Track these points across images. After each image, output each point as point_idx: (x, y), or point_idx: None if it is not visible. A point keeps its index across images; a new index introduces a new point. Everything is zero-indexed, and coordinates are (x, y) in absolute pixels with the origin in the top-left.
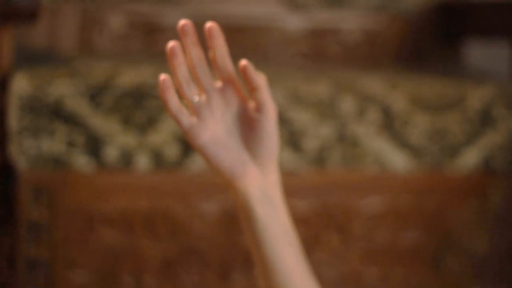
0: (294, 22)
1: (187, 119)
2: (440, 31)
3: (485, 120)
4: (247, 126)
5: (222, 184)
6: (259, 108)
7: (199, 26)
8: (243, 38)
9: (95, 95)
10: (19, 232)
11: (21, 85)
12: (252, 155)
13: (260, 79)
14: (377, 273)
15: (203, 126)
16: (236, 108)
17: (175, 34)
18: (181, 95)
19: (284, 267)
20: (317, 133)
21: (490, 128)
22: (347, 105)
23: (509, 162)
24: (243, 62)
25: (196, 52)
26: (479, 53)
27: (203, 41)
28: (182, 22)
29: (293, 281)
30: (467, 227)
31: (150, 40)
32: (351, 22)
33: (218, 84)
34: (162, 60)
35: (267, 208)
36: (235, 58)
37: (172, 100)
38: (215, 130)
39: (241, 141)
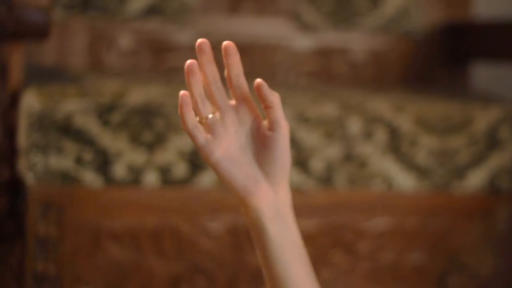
0: (302, 42)
1: (202, 135)
2: (447, 52)
3: (491, 142)
4: (260, 143)
5: (230, 202)
6: (272, 126)
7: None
8: (251, 58)
9: (103, 113)
10: (27, 248)
11: (30, 102)
12: (265, 172)
13: (274, 97)
14: None
15: (217, 143)
16: (250, 126)
17: (183, 52)
18: (195, 112)
19: (295, 284)
20: (324, 153)
21: (496, 150)
22: (354, 125)
23: None
24: (258, 80)
25: (211, 70)
26: (485, 74)
27: (216, 60)
28: (200, 40)
29: None
30: (473, 247)
31: (158, 58)
32: (358, 42)
33: (232, 102)
34: (170, 78)
35: (279, 225)
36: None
37: (189, 116)
38: (229, 147)
39: (254, 158)
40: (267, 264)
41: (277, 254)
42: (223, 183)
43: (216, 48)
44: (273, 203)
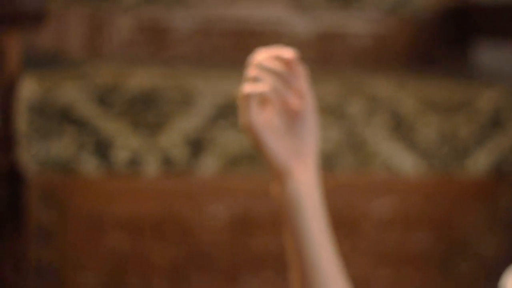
0: (302, 25)
1: (254, 105)
2: (450, 34)
3: (494, 122)
4: (289, 119)
5: (232, 188)
6: (300, 96)
7: (207, 30)
8: (251, 42)
9: (104, 98)
10: (28, 236)
11: (29, 88)
12: (299, 148)
13: (302, 68)
14: (386, 276)
15: (263, 116)
16: (278, 103)
17: (183, 40)
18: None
19: (322, 262)
20: (326, 136)
21: (499, 130)
22: (356, 107)
23: None
24: (290, 51)
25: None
26: (489, 55)
27: (211, 43)
28: (293, 55)
29: (329, 277)
30: (477, 229)
31: (157, 46)
32: (359, 25)
33: None
34: (171, 65)
35: (312, 201)
36: (243, 63)
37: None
38: (272, 121)
39: (289, 133)
40: (298, 242)
41: (310, 232)
42: (265, 156)
43: (216, 34)
44: (310, 179)
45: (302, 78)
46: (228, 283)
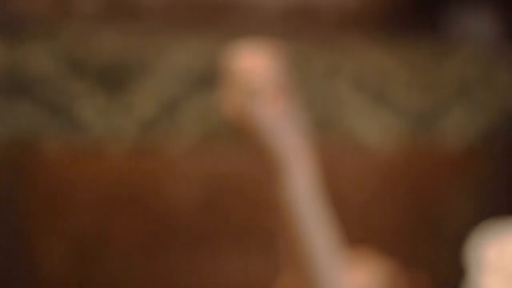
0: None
1: (262, 101)
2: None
3: (464, 83)
4: (280, 117)
5: (208, 161)
6: (284, 96)
7: (176, 3)
8: (222, 15)
9: (74, 62)
10: None
11: None
12: (292, 143)
13: (282, 73)
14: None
15: (267, 112)
16: None
17: (153, 16)
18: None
19: (319, 250)
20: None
21: (469, 94)
22: (319, 62)
23: (494, 129)
24: (268, 61)
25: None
26: (461, 18)
27: (181, 16)
28: None
29: (326, 265)
30: (450, 199)
31: (128, 16)
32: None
33: None
34: (141, 30)
35: (310, 194)
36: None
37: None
38: (273, 117)
39: (282, 130)
40: (296, 232)
41: (308, 224)
42: (265, 148)
43: (187, 7)
44: (305, 173)
45: (282, 80)
46: (203, 251)
